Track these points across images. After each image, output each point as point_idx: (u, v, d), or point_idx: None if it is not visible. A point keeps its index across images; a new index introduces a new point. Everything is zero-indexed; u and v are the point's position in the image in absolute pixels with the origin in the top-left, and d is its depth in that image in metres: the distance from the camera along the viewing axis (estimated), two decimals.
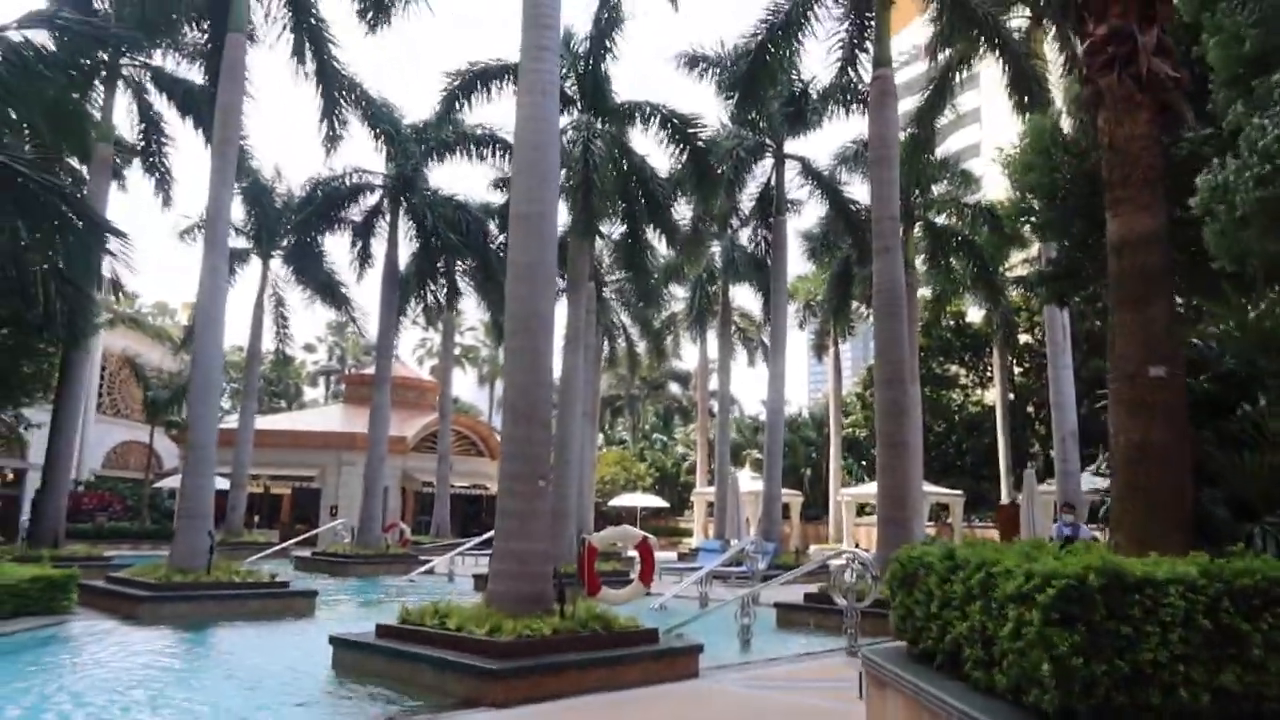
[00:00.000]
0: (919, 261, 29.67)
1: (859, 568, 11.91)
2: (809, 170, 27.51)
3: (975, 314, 41.62)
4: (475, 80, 22.00)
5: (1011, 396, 37.03)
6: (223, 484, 30.04)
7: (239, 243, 31.58)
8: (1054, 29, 22.73)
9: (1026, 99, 20.15)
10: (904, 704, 5.12)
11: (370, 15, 18.93)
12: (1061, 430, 21.45)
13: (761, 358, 45.40)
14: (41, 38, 15.54)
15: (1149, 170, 5.43)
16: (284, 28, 19.83)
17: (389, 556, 25.15)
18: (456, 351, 57.97)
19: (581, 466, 25.95)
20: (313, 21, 19.71)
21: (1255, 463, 5.68)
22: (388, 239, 27.96)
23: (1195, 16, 7.66)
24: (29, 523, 23.29)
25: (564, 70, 21.20)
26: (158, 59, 22.67)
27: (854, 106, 24.20)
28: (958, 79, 23.09)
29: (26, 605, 12.63)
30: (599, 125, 21.50)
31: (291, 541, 28.43)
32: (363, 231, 28.50)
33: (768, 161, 27.66)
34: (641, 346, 41.77)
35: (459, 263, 29.79)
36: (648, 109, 22.05)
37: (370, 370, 34.81)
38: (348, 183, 27.44)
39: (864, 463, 46.47)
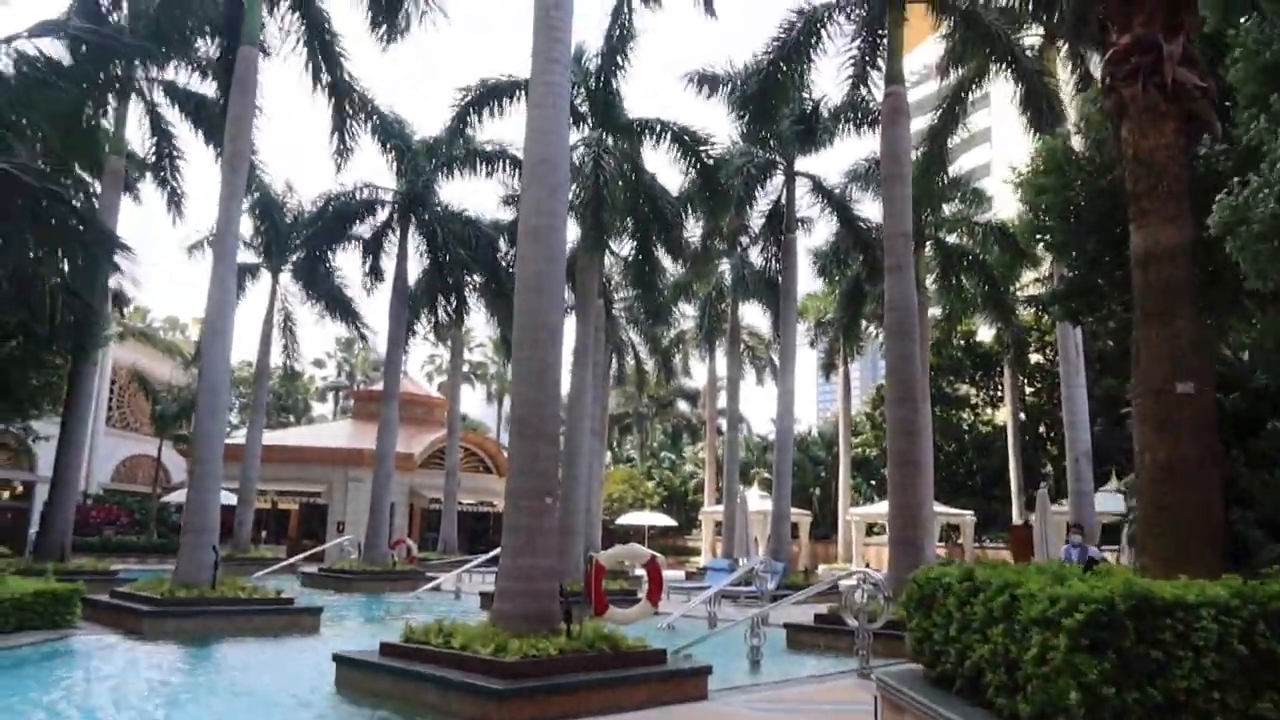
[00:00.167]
0: (929, 280, 29.53)
1: (870, 588, 11.72)
2: (820, 188, 27.45)
3: (985, 333, 41.41)
4: (486, 96, 22.01)
5: (1022, 416, 36.74)
6: (230, 499, 29.94)
7: (249, 257, 31.69)
8: (1066, 46, 22.76)
9: (1039, 117, 20.10)
10: None
11: (384, 31, 19.03)
12: (1075, 450, 21.22)
13: (770, 376, 45.22)
14: (55, 49, 15.61)
15: (1175, 181, 5.30)
16: (297, 42, 19.92)
17: (395, 573, 25.00)
18: (465, 368, 57.96)
19: (590, 484, 25.80)
20: (325, 36, 19.77)
21: None
22: (397, 254, 27.93)
23: (1218, 27, 7.58)
24: (36, 535, 23.23)
25: (575, 86, 21.19)
26: (170, 73, 22.81)
27: (865, 125, 24.19)
28: (970, 98, 23.06)
29: (30, 619, 12.52)
30: (609, 141, 21.47)
31: (298, 557, 28.30)
32: (373, 247, 28.48)
33: (778, 179, 27.59)
34: (650, 364, 41.66)
35: (469, 279, 29.75)
36: (659, 126, 22.03)
37: (378, 386, 34.74)
38: (358, 198, 27.45)
39: (873, 482, 46.19)
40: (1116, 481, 27.02)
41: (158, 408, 34.51)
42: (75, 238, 16.93)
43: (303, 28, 19.81)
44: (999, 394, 41.28)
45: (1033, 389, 39.27)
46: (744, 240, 30.71)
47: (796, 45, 18.61)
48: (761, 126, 21.76)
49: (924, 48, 50.34)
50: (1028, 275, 33.55)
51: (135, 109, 23.46)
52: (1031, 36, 23.03)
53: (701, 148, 21.93)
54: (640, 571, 16.83)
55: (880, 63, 18.35)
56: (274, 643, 13.34)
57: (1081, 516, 20.53)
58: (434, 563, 28.91)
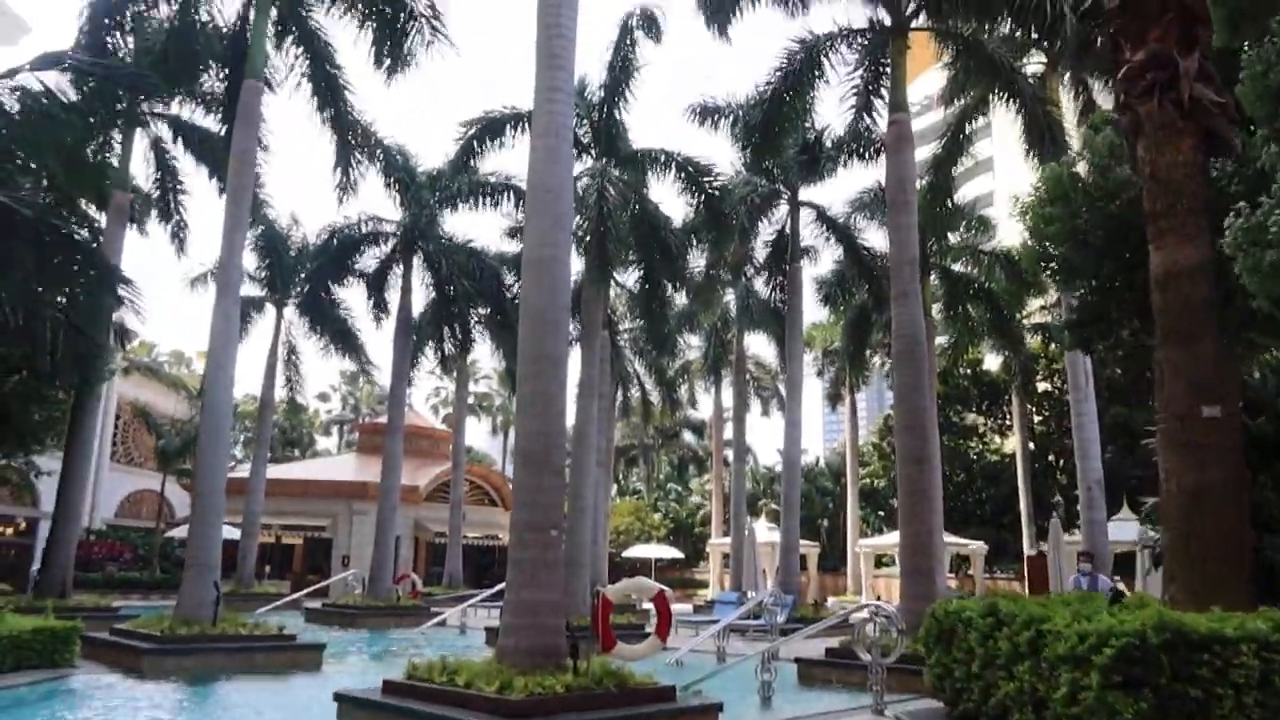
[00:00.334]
0: (935, 309, 29.43)
1: (883, 621, 11.47)
2: (824, 217, 27.41)
3: (992, 362, 41.23)
4: (489, 129, 22.08)
5: (1031, 445, 36.46)
6: (233, 533, 29.73)
7: (254, 290, 31.70)
8: (1068, 74, 22.82)
9: (1041, 146, 20.06)
10: None
11: (389, 65, 19.06)
12: (1087, 478, 20.97)
13: (776, 407, 45.04)
14: (60, 82, 15.67)
15: (1193, 199, 5.18)
16: (301, 76, 19.98)
17: (400, 608, 24.71)
18: (470, 400, 57.82)
19: (596, 516, 25.55)
20: (329, 69, 19.82)
21: None
22: (401, 287, 27.90)
23: (1227, 44, 7.51)
24: (37, 572, 23.01)
25: (578, 117, 21.25)
26: (175, 107, 22.92)
27: (869, 154, 24.22)
28: (972, 126, 23.08)
29: (28, 658, 12.29)
30: (614, 172, 21.48)
31: (302, 593, 28.01)
32: (377, 279, 28.46)
33: (782, 208, 27.59)
34: (655, 395, 41.48)
35: (473, 311, 29.70)
36: (662, 156, 22.03)
37: (383, 419, 34.60)
38: (362, 230, 27.47)
39: (881, 513, 45.81)
40: (1128, 509, 26.72)
41: (161, 442, 34.36)
42: (78, 271, 16.92)
43: (307, 62, 19.88)
44: (1007, 423, 41.01)
45: (1040, 417, 39.02)
46: (748, 270, 30.67)
47: (799, 75, 18.61)
48: (765, 156, 21.78)
49: (925, 78, 50.76)
50: (1034, 303, 33.44)
51: (140, 144, 23.59)
52: (1034, 64, 23.11)
53: (705, 178, 21.93)
54: (648, 605, 16.58)
55: (884, 91, 18.36)
56: (275, 681, 13.10)
57: (1095, 545, 20.23)
58: (439, 597, 28.61)
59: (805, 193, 27.27)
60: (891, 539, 33.55)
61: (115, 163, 22.08)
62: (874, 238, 28.63)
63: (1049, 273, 12.54)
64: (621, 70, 21.55)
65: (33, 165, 16.24)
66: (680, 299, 27.78)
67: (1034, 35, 20.27)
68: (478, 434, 70.44)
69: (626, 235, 21.55)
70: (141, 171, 24.55)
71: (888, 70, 17.96)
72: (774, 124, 19.43)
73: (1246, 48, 9.88)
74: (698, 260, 26.68)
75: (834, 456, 57.02)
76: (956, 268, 29.23)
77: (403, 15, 18.65)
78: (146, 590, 29.55)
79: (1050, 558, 21.61)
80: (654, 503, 58.53)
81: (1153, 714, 3.34)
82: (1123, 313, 11.66)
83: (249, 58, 17.18)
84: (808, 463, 49.09)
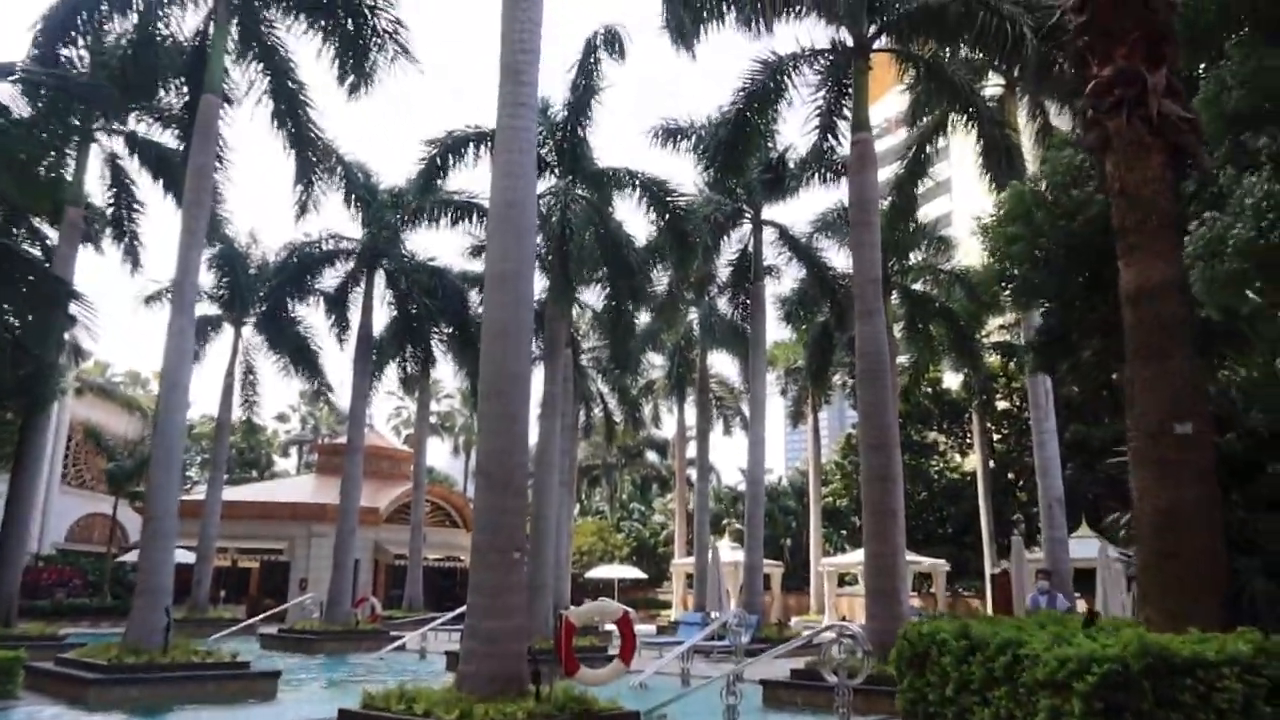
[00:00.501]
0: (896, 329, 29.64)
1: (849, 642, 11.38)
2: (786, 236, 27.55)
3: (952, 380, 41.62)
4: (453, 147, 21.87)
5: (991, 463, 36.77)
6: (188, 557, 29.03)
7: (211, 309, 31.14)
8: (1027, 97, 23.18)
9: (998, 168, 20.34)
10: None
11: (351, 81, 18.82)
12: (1048, 496, 21.12)
13: (739, 426, 45.04)
14: (12, 94, 15.28)
15: (1163, 215, 5.18)
16: (262, 92, 19.66)
17: (359, 633, 24.22)
18: (433, 419, 57.26)
19: (559, 537, 25.31)
20: (290, 85, 19.52)
21: None
22: (362, 305, 27.57)
23: (1186, 66, 7.60)
24: None
25: (542, 135, 21.16)
26: (132, 122, 22.49)
27: (832, 175, 24.41)
28: (932, 148, 23.36)
29: None
30: (577, 191, 21.40)
31: (258, 618, 27.37)
32: (338, 298, 28.10)
33: (745, 227, 27.69)
34: (619, 414, 41.33)
35: (436, 329, 29.42)
36: (626, 175, 21.98)
37: (343, 440, 34.07)
38: (323, 248, 27.13)
39: (844, 531, 45.91)
40: (1087, 527, 26.97)
41: (112, 464, 33.54)
42: (28, 289, 16.47)
43: (267, 78, 19.59)
44: (967, 441, 41.36)
45: (1000, 435, 39.40)
46: (712, 289, 30.71)
47: (762, 95, 18.65)
48: (728, 176, 21.81)
49: (885, 101, 51.45)
50: (993, 322, 33.84)
51: (95, 160, 23.10)
52: (992, 87, 23.46)
53: (669, 197, 21.91)
54: (611, 628, 16.37)
55: (846, 112, 18.46)
56: (227, 710, 12.72)
57: (1056, 563, 20.38)
58: (399, 621, 28.11)
59: (768, 211, 27.42)
60: (854, 558, 33.60)
61: (69, 178, 21.62)
62: (836, 257, 28.87)
63: (1009, 292, 12.61)
64: (585, 89, 21.51)
65: None
66: (644, 318, 27.72)
67: (994, 59, 20.63)
68: (440, 454, 69.80)
69: (590, 254, 21.45)
70: (98, 189, 24.05)
71: (850, 91, 18.07)
72: (737, 144, 19.45)
73: (1202, 70, 10.06)
74: (661, 279, 26.67)
75: (796, 475, 57.13)
76: (917, 287, 29.50)
77: (365, 32, 18.46)
78: (96, 617, 28.72)
79: (1014, 576, 21.70)
80: (617, 523, 58.23)
81: None
82: (1084, 333, 11.74)
83: (208, 73, 16.89)
84: (771, 482, 49.12)
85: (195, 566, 28.75)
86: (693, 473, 41.97)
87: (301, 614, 27.35)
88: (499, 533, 9.26)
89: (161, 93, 20.48)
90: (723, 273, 29.62)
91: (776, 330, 33.96)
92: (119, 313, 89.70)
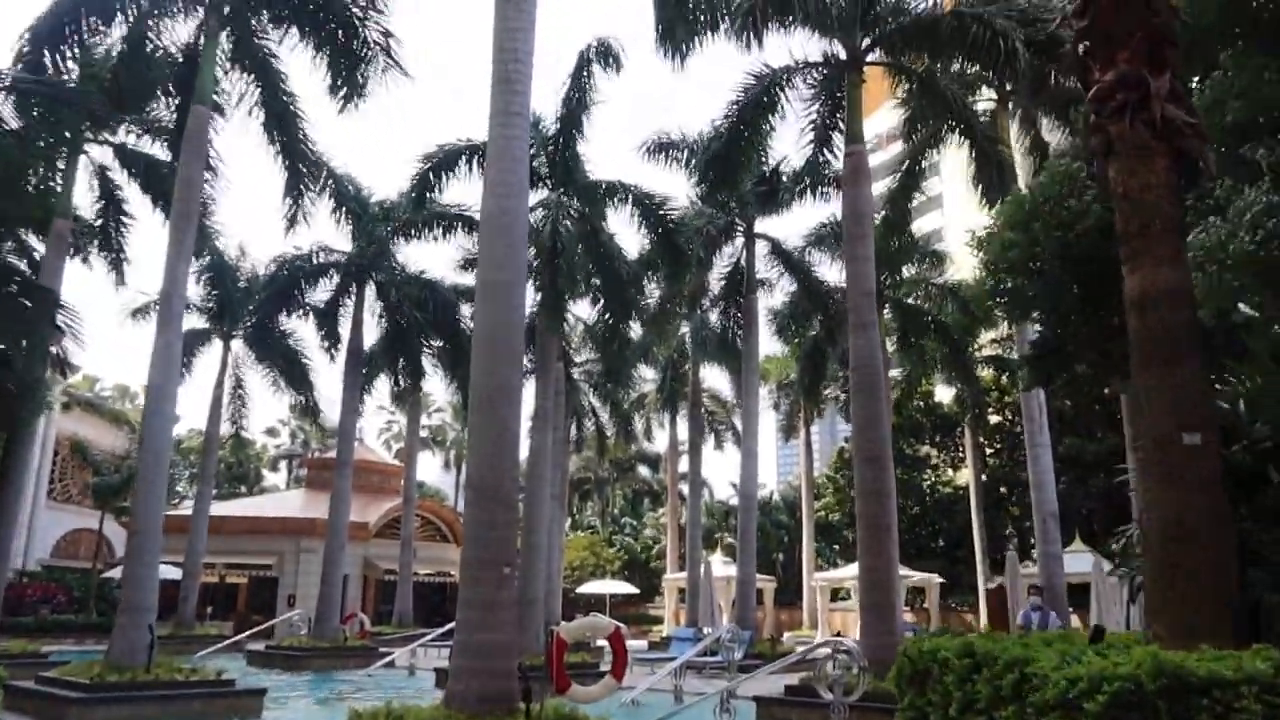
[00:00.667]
0: (889, 343, 29.60)
1: (844, 658, 11.24)
2: (779, 250, 27.49)
3: (944, 394, 41.61)
4: (445, 162, 21.80)
5: (983, 478, 36.72)
6: (174, 573, 28.74)
7: (200, 323, 30.96)
8: (1019, 112, 23.20)
9: (990, 182, 20.37)
10: None
11: (344, 93, 18.69)
12: (1041, 510, 21.00)
13: (731, 440, 44.89)
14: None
15: (1168, 221, 5.08)
16: (253, 104, 19.54)
17: (347, 649, 23.95)
18: (424, 433, 57.00)
19: (550, 552, 25.12)
20: (281, 96, 19.40)
21: None
22: (352, 318, 27.39)
23: (1182, 81, 7.54)
24: None
25: (534, 148, 21.10)
26: (121, 134, 22.36)
27: (826, 189, 24.40)
28: (925, 162, 23.36)
29: None
30: (571, 202, 21.34)
31: (245, 634, 27.07)
32: (328, 311, 27.90)
33: (738, 241, 27.62)
34: (611, 429, 41.17)
35: (427, 342, 29.26)
36: (619, 188, 21.93)
37: (333, 454, 33.81)
38: (313, 261, 26.95)
39: (836, 546, 45.78)
40: (1080, 542, 26.89)
41: (97, 479, 33.19)
42: (11, 300, 16.28)
43: (258, 89, 19.47)
44: (960, 455, 41.31)
45: (993, 449, 39.37)
46: (704, 302, 30.62)
47: (755, 109, 18.63)
48: (722, 190, 21.77)
49: (876, 117, 51.69)
50: (985, 336, 33.85)
51: (83, 172, 22.92)
52: (984, 101, 23.48)
53: (661, 211, 21.86)
54: (603, 643, 16.19)
55: (841, 124, 18.44)
56: None
57: (1050, 578, 20.26)
58: (388, 637, 27.85)
59: (761, 225, 27.42)
60: (847, 572, 33.47)
61: (57, 189, 21.45)
62: (829, 272, 28.83)
63: (1004, 304, 12.50)
64: (578, 102, 21.46)
65: None
66: (636, 331, 27.61)
67: (986, 73, 20.67)
68: (430, 468, 69.46)
69: (582, 267, 21.36)
70: (86, 201, 23.86)
71: (844, 104, 18.05)
72: (730, 157, 19.42)
73: (1195, 83, 10.02)
74: (653, 292, 26.58)
75: (789, 490, 57.02)
76: (910, 301, 29.48)
77: (356, 43, 18.35)
78: (81, 634, 28.34)
79: (1009, 591, 21.59)
80: (609, 537, 57.97)
81: None
82: (1080, 346, 11.65)
83: (197, 84, 16.77)
84: (763, 496, 48.95)
85: (182, 582, 28.45)
86: (685, 487, 41.79)
87: (289, 630, 27.06)
88: (489, 546, 9.10)
89: (152, 104, 20.39)
90: (715, 286, 29.56)
91: (769, 344, 33.90)
92: (108, 327, 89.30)
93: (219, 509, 35.14)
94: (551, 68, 22.18)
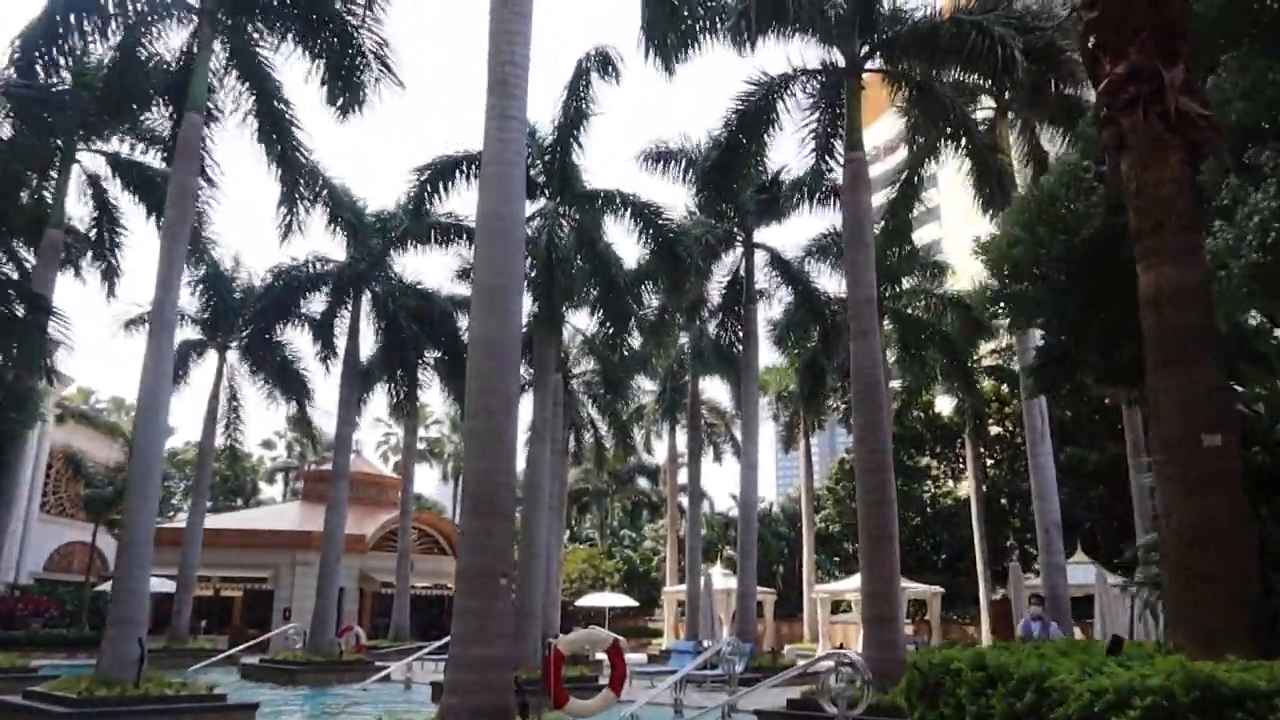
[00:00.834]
0: (889, 353, 29.43)
1: (848, 671, 11.02)
2: (778, 261, 27.34)
3: (944, 404, 41.43)
4: (441, 172, 21.68)
5: (984, 488, 36.51)
6: (168, 586, 28.47)
7: (195, 334, 30.77)
8: (1020, 121, 23.12)
9: (990, 191, 20.25)
10: None
11: (341, 102, 18.54)
12: (1044, 521, 20.81)
13: (730, 452, 44.71)
14: None
15: (1183, 217, 4.91)
16: (248, 113, 19.41)
17: (342, 663, 23.63)
18: (421, 445, 56.76)
19: (548, 563, 24.88)
20: (276, 105, 19.27)
21: None
22: (349, 329, 27.19)
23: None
24: None
25: (531, 157, 20.99)
26: (115, 143, 22.25)
27: (824, 199, 24.28)
28: (924, 171, 23.23)
29: None
30: (568, 211, 21.22)
31: (239, 648, 26.76)
32: (324, 322, 27.73)
33: (737, 251, 27.48)
34: (609, 440, 40.96)
35: (424, 353, 29.07)
36: (617, 197, 21.78)
37: (329, 466, 33.58)
38: (309, 271, 26.79)
39: (837, 558, 45.51)
40: (1082, 553, 26.68)
41: (89, 491, 32.93)
42: (3, 309, 16.12)
43: (253, 98, 19.34)
44: (960, 466, 41.09)
45: (993, 460, 39.16)
46: (703, 313, 30.46)
47: (754, 116, 18.53)
48: (721, 199, 21.65)
49: (875, 128, 51.75)
50: (985, 347, 33.71)
51: (76, 181, 22.79)
52: (983, 110, 23.40)
53: (660, 220, 21.72)
54: (601, 657, 15.95)
55: (841, 132, 18.32)
56: None
57: (1054, 589, 20.05)
58: (384, 650, 27.55)
59: (760, 235, 27.23)
60: (848, 584, 33.21)
61: (50, 198, 21.33)
62: (827, 283, 28.69)
63: (1007, 309, 12.36)
64: (576, 111, 21.36)
65: None
66: (635, 341, 27.45)
67: (985, 81, 20.57)
68: (428, 481, 69.24)
69: (580, 276, 21.22)
70: (78, 211, 23.71)
71: (843, 112, 17.94)
72: (729, 166, 19.31)
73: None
74: (652, 302, 26.41)
75: (788, 502, 56.79)
76: (909, 312, 29.35)
77: (351, 51, 18.23)
78: (73, 648, 28.01)
79: (1013, 602, 21.37)
80: (608, 549, 57.68)
81: None
82: (1084, 353, 11.50)
83: (190, 91, 16.64)
84: (762, 508, 48.73)
85: (175, 595, 28.18)
86: (684, 499, 41.58)
87: (284, 644, 26.77)
88: (485, 556, 8.91)
89: (146, 113, 20.27)
90: (714, 297, 29.40)
91: (768, 355, 33.74)
92: (103, 340, 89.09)
93: (214, 521, 34.88)
94: (549, 69, 22.02)
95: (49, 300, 17.66)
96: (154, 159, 22.34)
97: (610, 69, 21.09)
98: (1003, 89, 21.73)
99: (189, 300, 29.46)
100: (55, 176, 21.48)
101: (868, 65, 17.68)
